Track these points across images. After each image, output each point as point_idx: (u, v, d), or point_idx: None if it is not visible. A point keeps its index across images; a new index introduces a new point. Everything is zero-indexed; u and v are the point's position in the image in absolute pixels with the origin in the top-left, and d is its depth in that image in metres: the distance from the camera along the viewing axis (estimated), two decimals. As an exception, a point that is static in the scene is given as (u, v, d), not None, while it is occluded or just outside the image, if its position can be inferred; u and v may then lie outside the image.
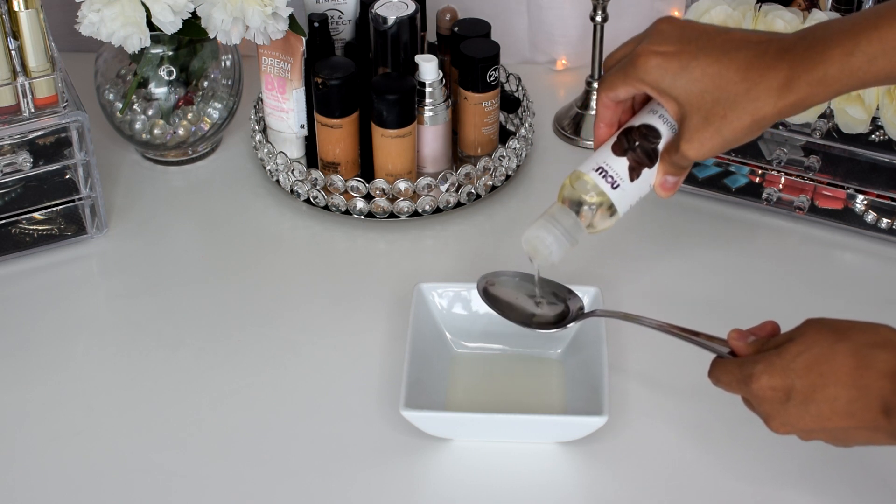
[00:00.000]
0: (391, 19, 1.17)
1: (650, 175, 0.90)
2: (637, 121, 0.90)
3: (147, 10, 1.12)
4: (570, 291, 0.99)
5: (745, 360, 0.82)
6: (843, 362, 0.77)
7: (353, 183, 1.17)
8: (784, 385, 0.79)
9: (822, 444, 0.82)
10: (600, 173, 0.89)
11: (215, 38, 1.14)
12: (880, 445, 0.79)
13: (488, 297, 0.98)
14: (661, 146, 0.89)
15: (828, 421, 0.78)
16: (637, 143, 0.89)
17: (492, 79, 1.19)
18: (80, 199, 1.16)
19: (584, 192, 0.89)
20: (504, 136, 1.28)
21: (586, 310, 0.99)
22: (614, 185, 0.89)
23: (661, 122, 0.89)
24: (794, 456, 0.93)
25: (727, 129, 0.83)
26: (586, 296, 1.00)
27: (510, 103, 1.29)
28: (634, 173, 0.89)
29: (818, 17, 1.11)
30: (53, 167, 1.14)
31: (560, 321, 0.97)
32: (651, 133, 0.89)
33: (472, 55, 1.18)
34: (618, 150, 0.89)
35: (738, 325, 0.86)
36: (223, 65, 1.25)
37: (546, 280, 0.98)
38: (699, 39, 0.84)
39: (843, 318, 0.81)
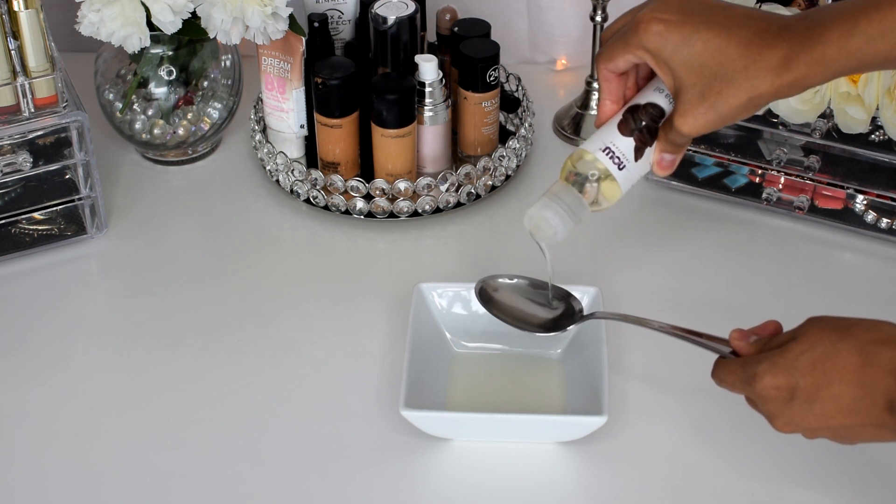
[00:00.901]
0: (391, 19, 1.17)
1: (650, 153, 0.88)
2: (642, 98, 0.88)
3: (147, 10, 1.12)
4: (569, 294, 0.99)
5: (748, 359, 0.82)
6: (847, 360, 0.77)
7: (353, 183, 1.17)
8: (788, 384, 0.79)
9: (827, 441, 0.82)
10: (607, 154, 0.87)
11: (215, 38, 1.14)
12: (885, 442, 0.79)
13: (486, 301, 0.98)
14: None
15: (832, 419, 0.78)
16: (644, 123, 0.87)
17: (492, 79, 1.19)
18: (80, 199, 1.16)
19: (588, 171, 0.88)
20: (504, 136, 1.28)
21: (587, 310, 0.99)
22: (620, 167, 0.87)
23: (667, 101, 0.87)
24: (799, 454, 0.93)
25: (722, 106, 0.82)
26: (586, 296, 1.00)
27: (510, 103, 1.29)
28: (639, 153, 0.87)
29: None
30: (53, 167, 1.14)
31: (559, 324, 0.97)
32: (657, 112, 0.87)
33: (472, 55, 1.18)
34: (624, 129, 0.87)
35: (739, 325, 0.86)
36: (223, 65, 1.25)
37: (545, 282, 0.98)
38: (702, 13, 0.83)
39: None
